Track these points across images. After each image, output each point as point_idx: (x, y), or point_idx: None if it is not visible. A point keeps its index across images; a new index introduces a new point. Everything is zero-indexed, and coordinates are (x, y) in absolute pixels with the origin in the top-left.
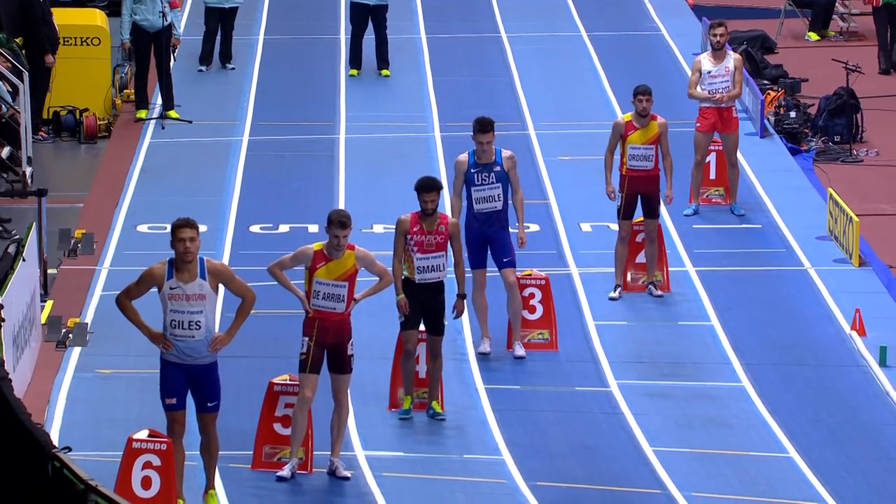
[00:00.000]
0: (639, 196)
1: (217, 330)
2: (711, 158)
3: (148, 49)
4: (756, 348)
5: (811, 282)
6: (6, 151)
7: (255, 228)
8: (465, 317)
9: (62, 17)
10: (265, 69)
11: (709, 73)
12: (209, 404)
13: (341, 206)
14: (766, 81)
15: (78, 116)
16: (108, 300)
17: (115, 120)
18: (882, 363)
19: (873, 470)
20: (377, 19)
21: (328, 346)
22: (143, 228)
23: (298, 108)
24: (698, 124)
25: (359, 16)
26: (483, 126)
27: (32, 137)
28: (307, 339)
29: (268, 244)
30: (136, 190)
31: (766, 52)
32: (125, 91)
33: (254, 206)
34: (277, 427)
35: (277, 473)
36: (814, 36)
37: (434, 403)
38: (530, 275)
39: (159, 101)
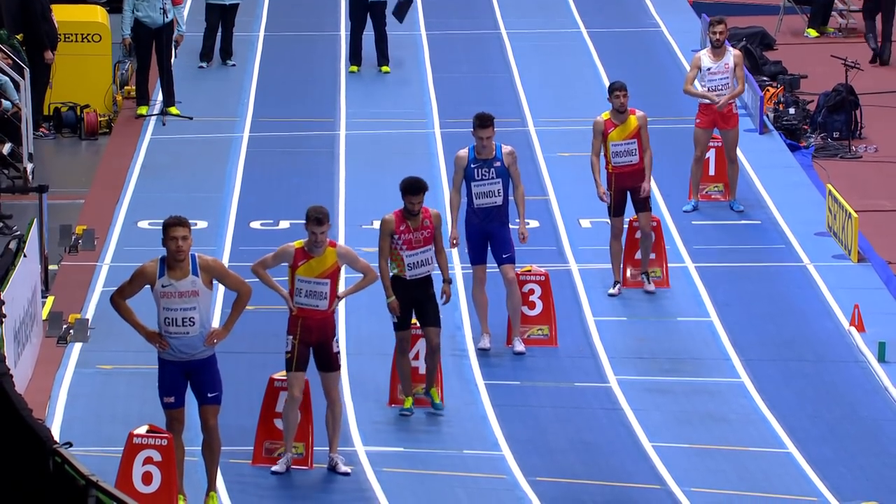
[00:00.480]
0: (627, 191)
1: (215, 325)
2: (711, 155)
3: (149, 45)
4: (755, 344)
5: (810, 278)
6: (7, 148)
7: (255, 224)
8: (464, 313)
9: (63, 14)
10: (266, 66)
11: (708, 69)
12: (209, 395)
13: (342, 202)
14: (765, 78)
15: (79, 113)
16: (109, 296)
17: (116, 116)
18: (881, 359)
19: (872, 465)
20: (376, 16)
21: (313, 343)
22: (143, 225)
23: (299, 105)
24: (698, 120)
25: (358, 12)
26: (483, 121)
27: (33, 134)
28: (291, 337)
29: (268, 240)
30: (136, 186)
31: (766, 49)
32: (126, 87)
33: (254, 202)
34: (278, 423)
35: (272, 468)
36: (813, 32)
37: (433, 391)
38: (530, 271)
39: (160, 97)
